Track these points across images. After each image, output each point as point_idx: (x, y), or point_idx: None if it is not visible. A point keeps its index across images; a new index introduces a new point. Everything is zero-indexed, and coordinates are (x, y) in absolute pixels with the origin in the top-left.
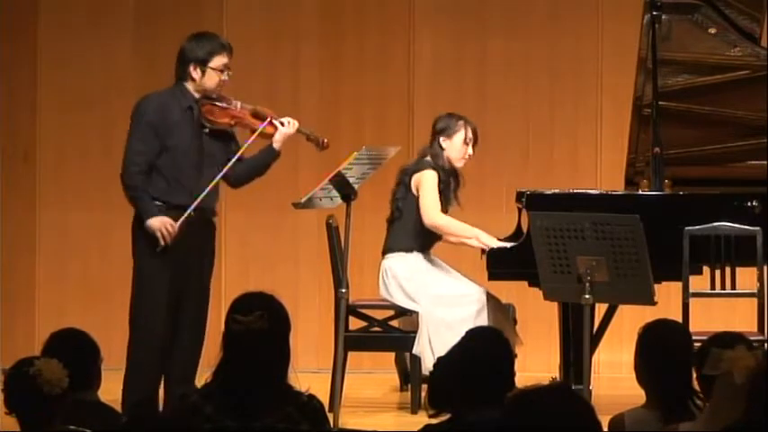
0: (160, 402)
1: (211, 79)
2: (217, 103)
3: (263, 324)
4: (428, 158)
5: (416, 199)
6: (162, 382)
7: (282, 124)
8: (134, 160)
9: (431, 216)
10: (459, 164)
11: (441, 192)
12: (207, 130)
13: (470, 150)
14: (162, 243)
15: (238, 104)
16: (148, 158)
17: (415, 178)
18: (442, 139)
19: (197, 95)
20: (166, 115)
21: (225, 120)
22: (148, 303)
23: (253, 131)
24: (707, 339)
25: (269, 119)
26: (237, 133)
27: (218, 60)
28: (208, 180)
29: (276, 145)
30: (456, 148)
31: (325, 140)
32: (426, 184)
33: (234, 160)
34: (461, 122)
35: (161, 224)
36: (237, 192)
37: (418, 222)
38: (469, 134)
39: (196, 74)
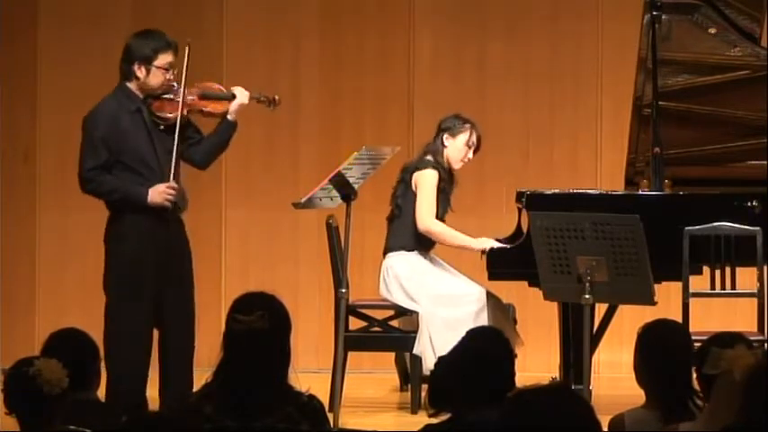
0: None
1: (156, 78)
2: (164, 97)
3: (263, 324)
4: (429, 157)
5: (415, 197)
6: (145, 385)
7: (234, 96)
8: (88, 176)
9: (425, 222)
10: (456, 165)
11: (441, 191)
12: (162, 127)
13: (470, 155)
14: (171, 205)
15: (185, 91)
16: (102, 171)
17: (416, 176)
18: (445, 136)
19: (141, 95)
20: (117, 125)
21: (176, 112)
22: (126, 309)
23: (206, 114)
24: (707, 339)
25: (218, 96)
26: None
27: (164, 59)
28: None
29: (231, 117)
30: (457, 147)
31: (276, 97)
32: (425, 184)
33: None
34: (468, 125)
35: (161, 195)
36: (238, 191)
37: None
38: (473, 139)
39: (141, 73)
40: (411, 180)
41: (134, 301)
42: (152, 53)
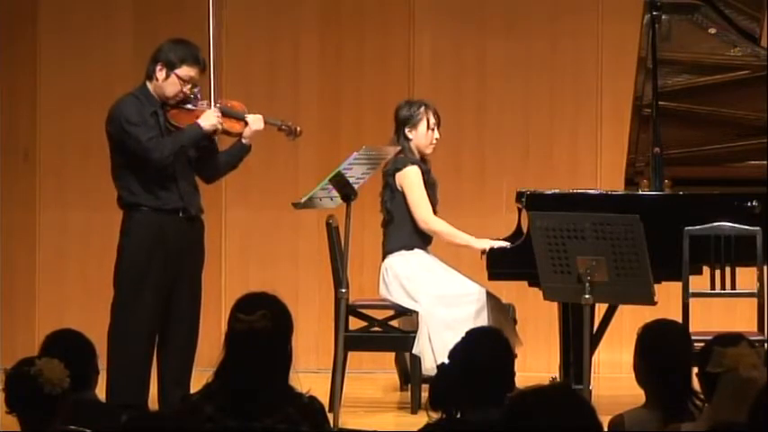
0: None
1: (173, 86)
2: (183, 107)
3: (265, 323)
4: (402, 155)
5: (404, 197)
6: (148, 385)
7: (250, 120)
8: (150, 145)
9: (426, 222)
10: (428, 150)
11: (427, 185)
12: None
13: (436, 134)
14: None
15: (204, 104)
16: (158, 137)
17: (398, 177)
18: (407, 130)
19: (158, 99)
20: (144, 118)
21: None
22: (133, 306)
23: (222, 131)
24: (710, 339)
25: (237, 116)
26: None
27: (186, 70)
28: (188, 181)
29: (245, 141)
30: (422, 135)
31: (298, 128)
32: (411, 182)
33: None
34: (422, 109)
35: (210, 120)
36: (238, 191)
37: (412, 220)
38: (431, 119)
39: (160, 74)
40: (395, 182)
41: (136, 299)
42: (177, 60)
